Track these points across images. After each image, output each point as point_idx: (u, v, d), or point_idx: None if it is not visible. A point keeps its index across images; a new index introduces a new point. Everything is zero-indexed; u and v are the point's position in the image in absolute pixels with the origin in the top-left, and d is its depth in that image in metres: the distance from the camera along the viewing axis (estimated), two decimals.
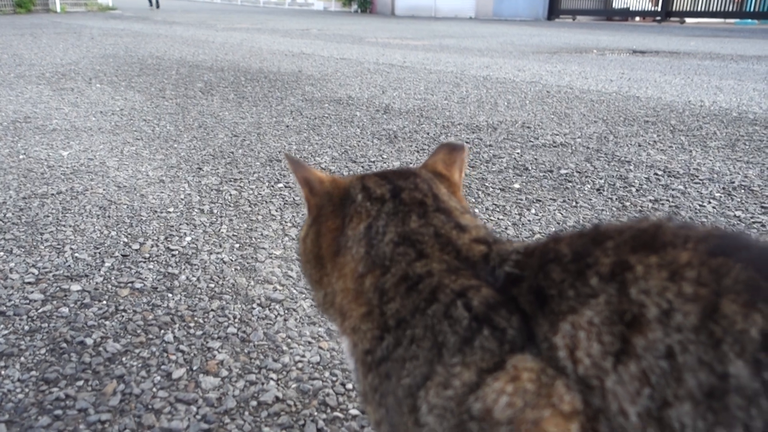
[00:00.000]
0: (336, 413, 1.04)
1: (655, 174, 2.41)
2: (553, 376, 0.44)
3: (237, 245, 1.69)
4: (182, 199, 2.04)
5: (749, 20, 15.30)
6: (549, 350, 0.45)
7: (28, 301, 1.36)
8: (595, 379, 0.42)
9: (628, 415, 0.40)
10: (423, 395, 0.51)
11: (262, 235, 1.77)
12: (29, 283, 1.44)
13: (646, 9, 17.12)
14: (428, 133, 3.05)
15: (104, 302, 1.37)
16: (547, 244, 0.54)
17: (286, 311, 1.36)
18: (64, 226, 1.79)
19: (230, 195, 2.09)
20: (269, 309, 1.36)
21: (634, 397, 0.40)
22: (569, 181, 2.30)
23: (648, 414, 0.39)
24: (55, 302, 1.36)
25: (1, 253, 1.59)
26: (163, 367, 1.15)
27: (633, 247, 0.46)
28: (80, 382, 1.09)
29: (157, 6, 19.06)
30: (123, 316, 1.31)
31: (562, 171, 2.43)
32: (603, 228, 0.51)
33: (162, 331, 1.26)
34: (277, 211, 1.96)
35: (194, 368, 1.15)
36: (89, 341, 1.22)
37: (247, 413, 1.03)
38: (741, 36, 11.07)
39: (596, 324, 0.43)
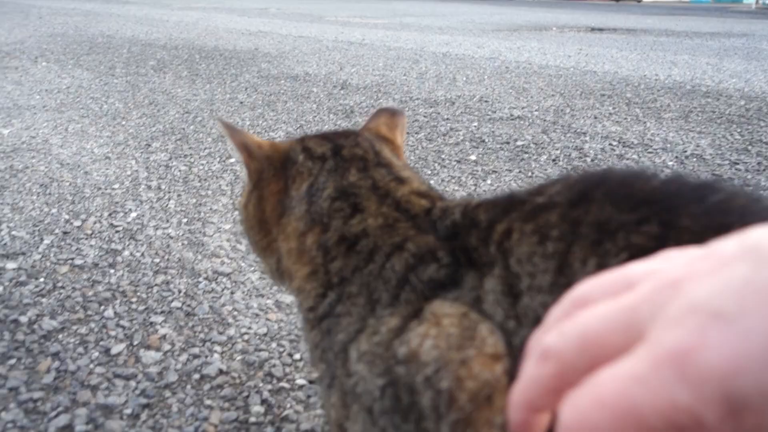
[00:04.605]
0: (282, 384, 1.01)
1: (610, 144, 2.42)
2: (476, 320, 0.43)
3: (185, 220, 1.64)
4: (128, 176, 1.96)
5: None
6: (475, 301, 0.45)
7: None
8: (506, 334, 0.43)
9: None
10: (354, 345, 0.51)
11: (211, 209, 1.71)
12: None
13: None
14: None
15: (41, 280, 1.31)
16: (478, 206, 0.53)
17: (234, 284, 1.32)
18: (0, 204, 1.70)
19: (179, 171, 2.03)
20: (216, 282, 1.32)
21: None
22: (525, 153, 2.30)
23: None
24: None
25: None
26: (101, 343, 1.10)
27: (524, 218, 0.46)
28: (12, 361, 1.04)
29: None
30: (61, 293, 1.26)
31: (519, 143, 2.43)
32: (515, 197, 0.51)
33: (102, 307, 1.21)
34: (227, 185, 1.90)
35: (135, 343, 1.10)
36: (24, 319, 1.16)
37: (189, 386, 0.99)
38: (696, 14, 11.27)
39: (497, 292, 0.44)
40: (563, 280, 0.40)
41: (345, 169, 0.64)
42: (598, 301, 0.28)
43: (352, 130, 0.73)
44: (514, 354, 0.41)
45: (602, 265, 0.39)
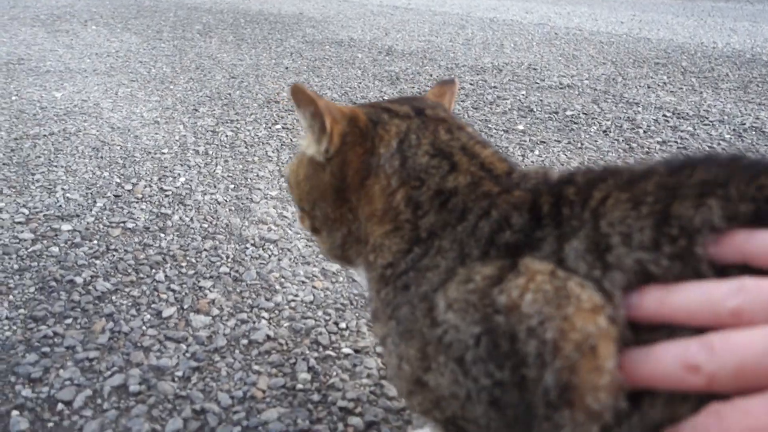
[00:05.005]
0: (328, 352, 1.02)
1: (664, 116, 2.33)
2: (564, 277, 0.44)
3: (232, 186, 1.65)
4: (177, 141, 1.99)
5: None
6: (559, 261, 0.45)
7: (17, 240, 1.33)
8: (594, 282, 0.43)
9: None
10: (441, 293, 0.51)
11: (257, 176, 1.72)
12: (19, 222, 1.41)
13: None
14: (431, 75, 2.97)
15: (95, 242, 1.34)
16: (562, 175, 0.54)
17: (281, 251, 1.33)
18: (55, 166, 1.75)
19: (226, 136, 2.04)
20: (263, 249, 1.33)
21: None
22: (575, 123, 2.24)
23: None
24: (45, 241, 1.33)
25: None
26: (153, 305, 1.12)
27: (620, 185, 0.46)
28: (69, 320, 1.07)
29: None
30: (114, 256, 1.29)
31: (568, 112, 2.36)
32: (611, 168, 0.51)
33: (153, 270, 1.24)
34: (273, 152, 1.91)
35: (185, 307, 1.12)
36: (79, 280, 1.19)
37: (237, 351, 1.01)
38: None
39: (580, 250, 0.44)
40: (673, 231, 0.40)
41: (434, 127, 0.64)
42: (757, 322, 0.29)
43: (418, 96, 0.74)
44: (608, 295, 0.41)
45: (730, 198, 0.39)
